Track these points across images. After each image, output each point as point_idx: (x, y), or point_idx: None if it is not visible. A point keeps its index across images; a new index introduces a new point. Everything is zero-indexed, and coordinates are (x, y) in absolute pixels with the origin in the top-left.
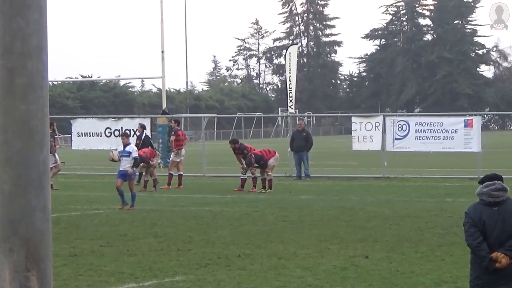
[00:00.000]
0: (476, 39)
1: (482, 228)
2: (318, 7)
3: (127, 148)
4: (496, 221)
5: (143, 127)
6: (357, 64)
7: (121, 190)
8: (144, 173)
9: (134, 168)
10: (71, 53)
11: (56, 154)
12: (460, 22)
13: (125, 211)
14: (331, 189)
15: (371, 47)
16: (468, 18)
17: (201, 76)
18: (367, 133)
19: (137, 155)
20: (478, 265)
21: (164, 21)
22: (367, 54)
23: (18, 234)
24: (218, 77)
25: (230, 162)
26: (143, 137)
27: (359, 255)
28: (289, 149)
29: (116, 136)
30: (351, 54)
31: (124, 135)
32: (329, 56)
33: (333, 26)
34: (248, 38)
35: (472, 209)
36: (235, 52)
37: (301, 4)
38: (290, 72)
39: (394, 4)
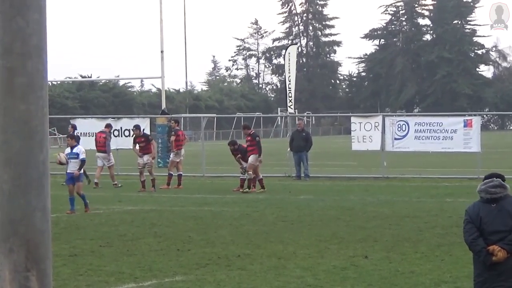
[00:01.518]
0: (475, 39)
1: (480, 225)
2: (317, 7)
3: (75, 150)
4: (494, 217)
5: (74, 127)
6: (357, 64)
7: (74, 195)
8: (140, 174)
9: (81, 171)
10: (71, 53)
11: (111, 154)
12: (459, 22)
13: (126, 211)
14: (331, 189)
15: (370, 47)
16: (468, 18)
17: (201, 76)
18: (366, 133)
19: (84, 156)
20: (478, 263)
21: (164, 21)
22: (366, 54)
23: (18, 234)
24: (217, 77)
25: (229, 162)
26: None
27: (359, 255)
28: (289, 149)
29: (116, 136)
30: (351, 54)
31: (70, 137)
32: (328, 56)
33: (332, 26)
34: (248, 38)
35: (471, 206)
36: (235, 52)
37: (300, 4)
38: (289, 72)
39: (393, 4)
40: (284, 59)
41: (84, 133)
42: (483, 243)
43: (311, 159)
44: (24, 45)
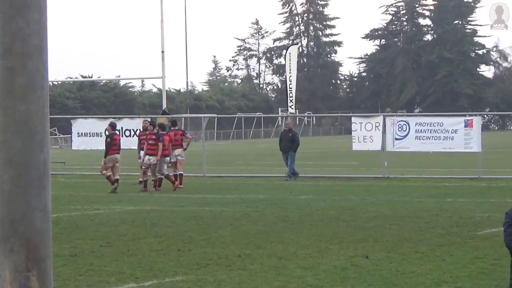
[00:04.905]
0: (476, 39)
1: None
2: (318, 7)
3: None
4: None
5: None
6: (357, 64)
7: None
8: (143, 173)
9: None
10: (71, 53)
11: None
12: (460, 22)
13: (126, 211)
14: (331, 189)
15: (371, 47)
16: (468, 18)
17: (201, 76)
18: (367, 133)
19: None
20: None
21: (164, 21)
22: (367, 54)
23: (18, 234)
24: (218, 77)
25: (230, 162)
26: None
27: (360, 255)
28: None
29: None
30: (351, 54)
31: None
32: (329, 56)
33: (333, 26)
34: (248, 38)
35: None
36: (235, 52)
37: (301, 4)
38: (290, 72)
39: (394, 4)
40: (285, 59)
41: (84, 133)
42: None
43: (312, 159)
44: (24, 45)
